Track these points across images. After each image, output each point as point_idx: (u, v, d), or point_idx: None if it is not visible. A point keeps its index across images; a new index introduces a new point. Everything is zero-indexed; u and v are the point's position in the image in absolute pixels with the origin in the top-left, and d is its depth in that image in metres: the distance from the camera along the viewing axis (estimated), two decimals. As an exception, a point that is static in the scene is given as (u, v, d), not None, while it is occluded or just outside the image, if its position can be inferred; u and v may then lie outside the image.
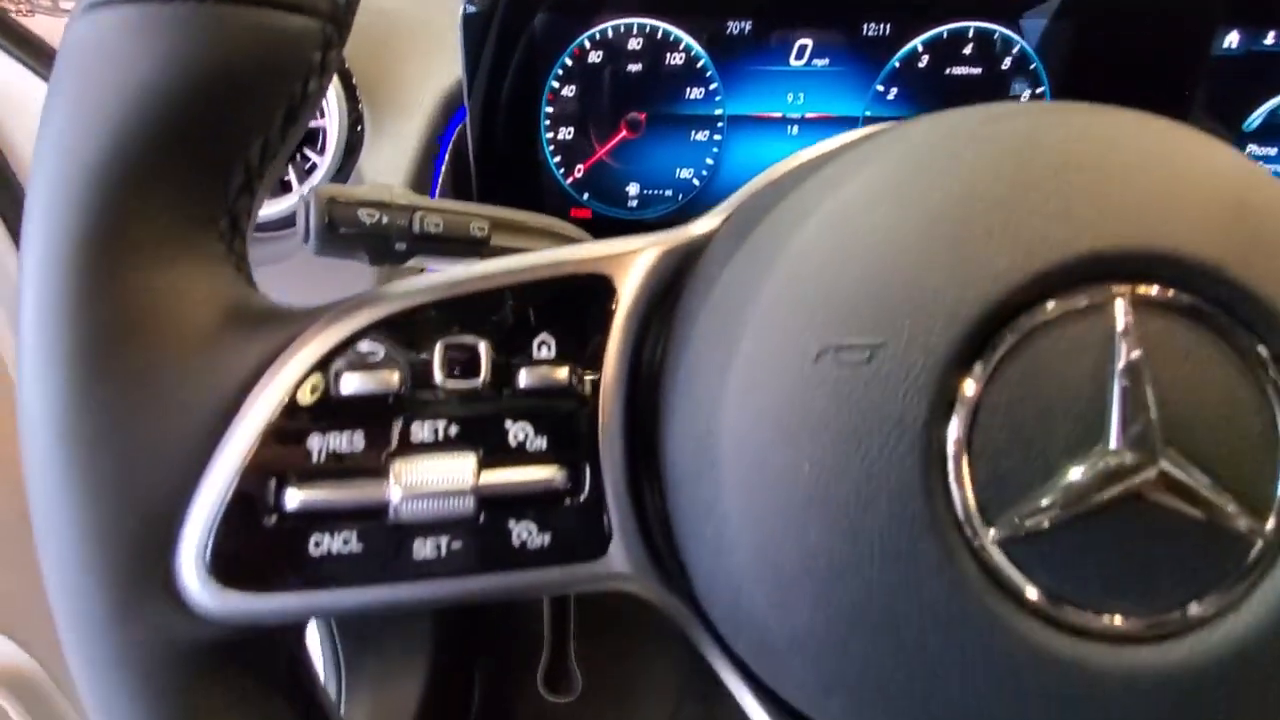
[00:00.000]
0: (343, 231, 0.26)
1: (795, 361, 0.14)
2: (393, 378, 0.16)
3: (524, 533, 0.16)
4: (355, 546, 0.15)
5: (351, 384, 0.16)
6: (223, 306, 0.16)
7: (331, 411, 0.16)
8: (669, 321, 0.18)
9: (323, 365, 0.16)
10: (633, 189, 0.41)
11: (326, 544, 0.15)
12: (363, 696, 0.59)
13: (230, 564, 0.15)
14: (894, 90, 0.38)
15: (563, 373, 0.17)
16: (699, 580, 0.17)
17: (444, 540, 0.16)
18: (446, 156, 0.41)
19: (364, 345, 0.16)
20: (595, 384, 0.17)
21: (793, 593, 0.14)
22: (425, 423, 0.16)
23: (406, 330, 0.16)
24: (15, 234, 0.55)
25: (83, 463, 0.14)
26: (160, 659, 0.14)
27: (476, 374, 0.17)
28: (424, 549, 0.16)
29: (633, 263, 0.18)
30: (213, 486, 0.15)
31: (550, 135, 0.40)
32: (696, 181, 0.40)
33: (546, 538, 0.16)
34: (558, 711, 0.84)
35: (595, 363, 0.17)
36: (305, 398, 0.16)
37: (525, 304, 0.17)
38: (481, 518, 0.16)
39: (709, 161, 0.40)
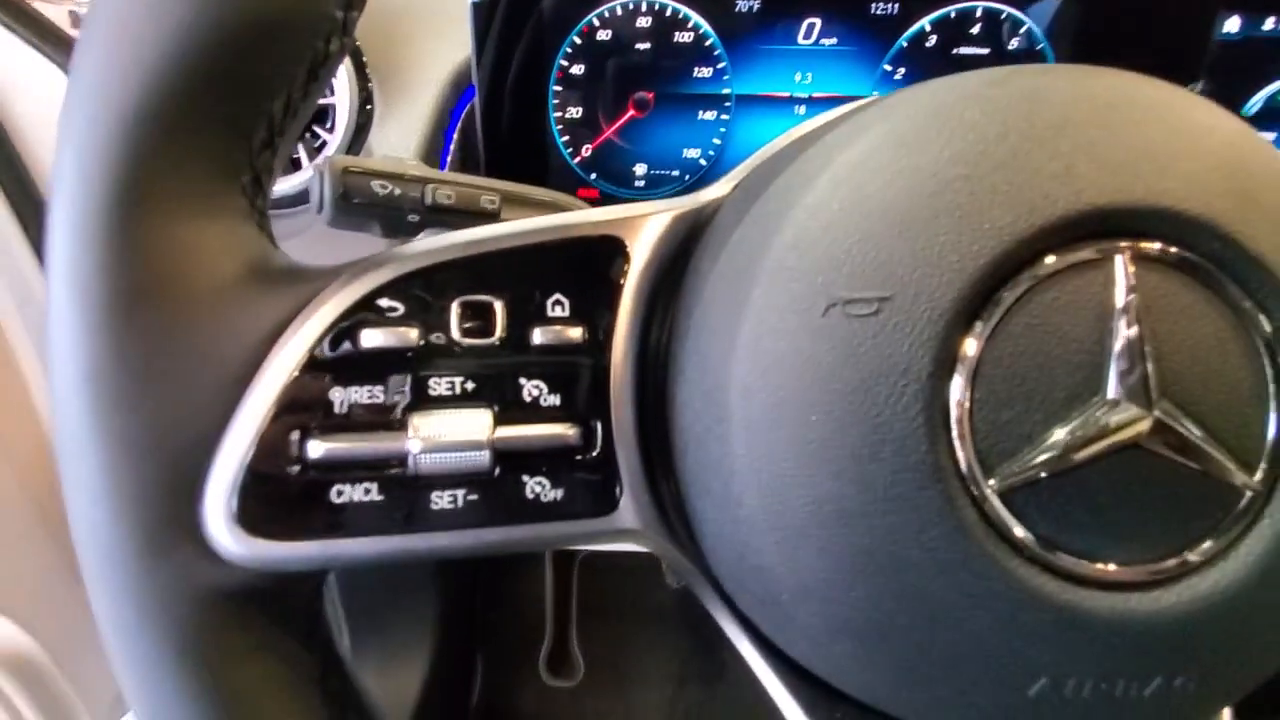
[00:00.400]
0: (356, 202, 0.26)
1: (804, 316, 0.14)
2: (411, 334, 0.16)
3: (537, 487, 0.17)
4: (376, 496, 0.16)
5: (372, 339, 0.16)
6: (246, 262, 0.16)
7: (352, 365, 0.16)
8: (679, 284, 0.18)
9: (344, 320, 0.16)
10: (640, 169, 0.41)
11: (348, 494, 0.16)
12: (367, 679, 0.59)
13: (255, 511, 0.15)
14: (902, 70, 0.38)
15: (576, 332, 0.17)
16: (707, 536, 0.17)
17: (460, 492, 0.16)
18: (455, 135, 0.42)
19: (383, 301, 0.17)
20: (607, 343, 0.17)
21: (800, 541, 0.14)
22: (442, 378, 0.17)
23: (425, 288, 0.17)
24: (22, 217, 0.55)
25: (112, 413, 0.14)
26: (186, 604, 0.15)
27: (492, 332, 0.17)
28: (441, 500, 0.16)
29: (645, 226, 0.18)
30: (238, 436, 0.15)
31: (558, 114, 0.40)
32: (704, 161, 0.41)
33: (559, 493, 0.17)
34: (559, 695, 0.85)
35: (608, 323, 0.18)
36: (327, 351, 0.16)
37: (540, 264, 0.18)
38: (496, 471, 0.17)
39: (716, 141, 0.40)
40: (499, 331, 0.17)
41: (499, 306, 0.17)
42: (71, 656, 0.57)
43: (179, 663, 0.15)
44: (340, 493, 0.16)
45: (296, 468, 0.16)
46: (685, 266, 0.18)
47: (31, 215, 0.56)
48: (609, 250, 0.18)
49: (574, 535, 0.17)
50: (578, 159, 0.41)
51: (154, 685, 0.15)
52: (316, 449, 0.16)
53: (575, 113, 0.40)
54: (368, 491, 0.16)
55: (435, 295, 0.17)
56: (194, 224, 0.15)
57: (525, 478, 0.17)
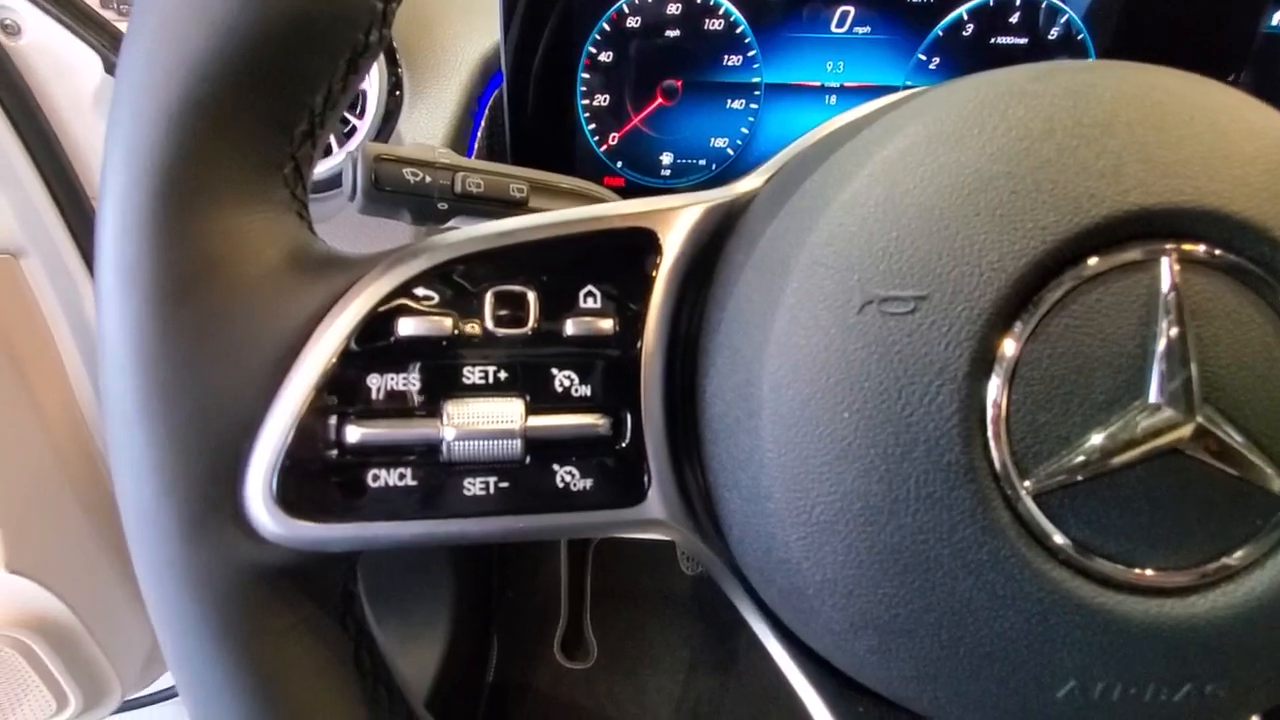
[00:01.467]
0: (388, 189, 0.27)
1: (839, 312, 0.14)
2: (446, 322, 0.17)
3: (567, 476, 0.17)
4: (410, 481, 0.16)
5: (407, 327, 0.17)
6: (287, 251, 0.16)
7: (389, 353, 0.16)
8: (711, 277, 0.18)
9: (381, 308, 0.16)
10: (666, 158, 0.41)
11: (383, 478, 0.16)
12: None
13: (294, 493, 0.16)
14: (936, 59, 0.38)
15: (607, 323, 0.17)
16: (733, 528, 0.17)
17: (492, 480, 0.17)
18: (483, 121, 0.42)
19: (419, 290, 0.17)
20: (638, 335, 0.18)
21: (827, 536, 0.14)
22: (476, 366, 0.17)
23: (459, 277, 0.17)
24: (57, 197, 0.56)
25: (159, 396, 0.15)
26: (227, 581, 0.15)
27: (525, 321, 0.17)
28: (473, 487, 0.17)
29: (677, 218, 0.18)
30: (278, 420, 0.16)
31: (586, 102, 0.40)
32: (731, 151, 0.40)
33: (588, 482, 0.17)
34: (573, 677, 0.87)
35: (639, 314, 0.18)
36: (364, 339, 0.16)
37: (573, 256, 0.18)
38: (528, 460, 0.17)
39: (744, 130, 0.40)
40: (531, 321, 0.17)
41: (532, 297, 0.17)
42: (102, 621, 0.58)
43: (220, 638, 0.15)
44: (376, 477, 0.16)
45: (334, 452, 0.16)
46: (716, 259, 0.18)
47: (70, 199, 0.57)
48: (641, 242, 0.18)
49: (602, 525, 0.17)
50: (604, 147, 0.41)
51: (195, 659, 0.15)
52: (353, 434, 0.16)
53: (603, 100, 0.40)
54: (402, 476, 0.16)
55: (470, 285, 0.17)
56: (237, 214, 0.16)
57: (555, 467, 0.17)
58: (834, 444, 0.14)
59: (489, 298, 0.17)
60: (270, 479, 0.15)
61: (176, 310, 0.15)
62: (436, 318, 0.17)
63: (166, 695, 0.78)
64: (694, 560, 0.90)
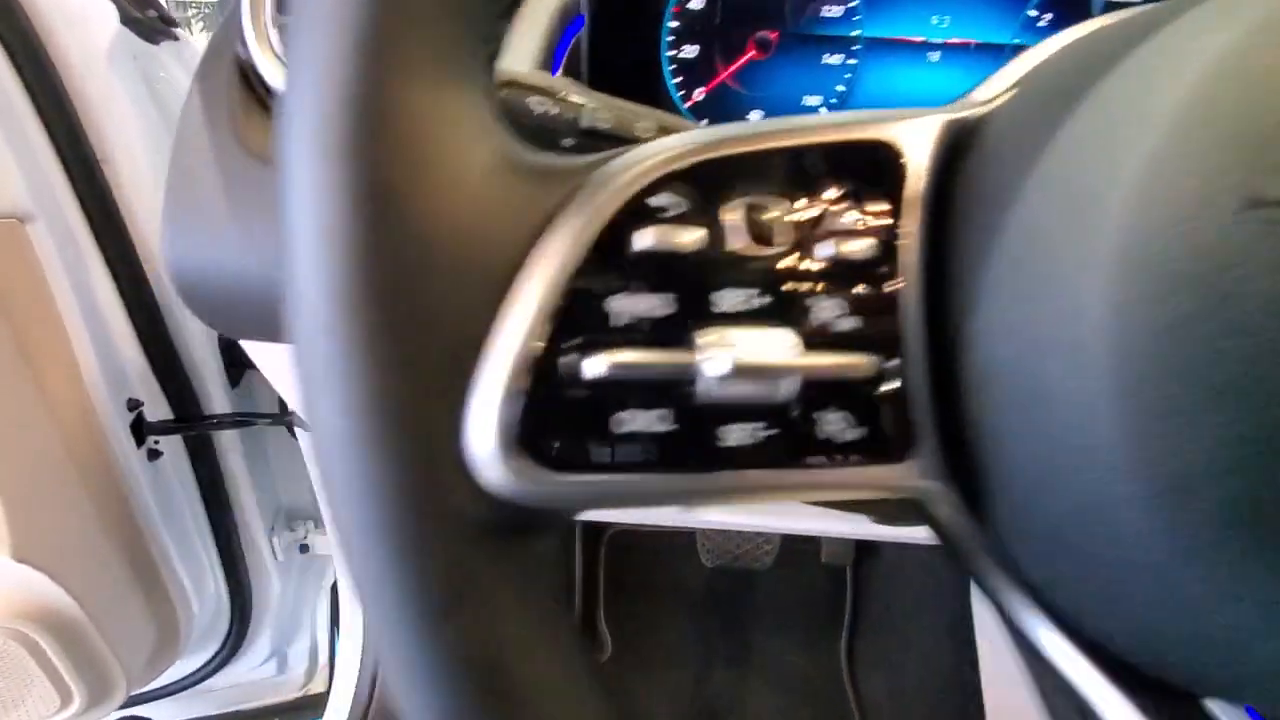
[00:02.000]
0: (512, 120, 0.24)
1: (1205, 220, 0.12)
2: (693, 236, 0.14)
3: (830, 426, 0.14)
4: (666, 425, 0.13)
5: (647, 240, 0.14)
6: (499, 151, 0.14)
7: (628, 270, 0.14)
8: (953, 201, 0.16)
9: (617, 220, 0.14)
10: (754, 116, 0.39)
11: (630, 421, 0.13)
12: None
13: (525, 438, 0.13)
14: (1049, 15, 0.36)
15: (862, 246, 0.15)
16: (1015, 492, 0.15)
17: (758, 426, 0.14)
18: (559, 71, 0.39)
19: (657, 200, 0.14)
20: (895, 262, 0.15)
21: (1192, 495, 0.12)
22: (732, 290, 0.14)
23: (706, 185, 0.14)
24: (66, 160, 0.52)
25: (364, 311, 0.12)
26: (453, 543, 0.12)
27: (773, 240, 0.15)
28: (733, 435, 0.14)
29: (919, 132, 0.16)
30: (505, 349, 0.13)
31: (672, 53, 0.37)
32: (824, 110, 0.38)
33: (856, 433, 0.14)
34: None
35: (893, 239, 0.15)
36: (599, 255, 0.14)
37: (824, 168, 0.15)
38: (796, 404, 0.14)
39: (840, 88, 0.38)
40: (783, 241, 0.15)
41: (781, 211, 0.15)
42: (108, 615, 0.55)
43: (443, 612, 0.12)
44: (620, 421, 0.13)
45: (571, 389, 0.13)
46: (956, 180, 0.16)
47: (79, 163, 0.53)
48: (884, 157, 0.16)
49: (862, 483, 0.15)
50: (689, 103, 0.38)
51: (416, 638, 0.13)
52: (595, 366, 0.13)
53: (690, 52, 0.37)
54: (662, 418, 0.13)
55: (718, 194, 0.14)
56: (447, 95, 0.13)
57: (823, 413, 0.14)
58: (1208, 383, 0.12)
59: (742, 210, 0.14)
60: (497, 419, 0.13)
61: (381, 207, 0.12)
62: (683, 230, 0.14)
63: (170, 691, 0.74)
64: (713, 553, 0.88)
